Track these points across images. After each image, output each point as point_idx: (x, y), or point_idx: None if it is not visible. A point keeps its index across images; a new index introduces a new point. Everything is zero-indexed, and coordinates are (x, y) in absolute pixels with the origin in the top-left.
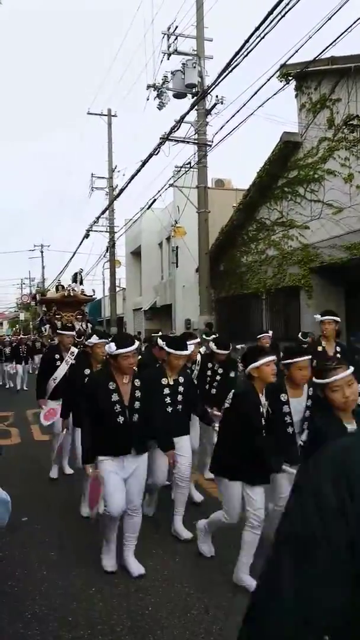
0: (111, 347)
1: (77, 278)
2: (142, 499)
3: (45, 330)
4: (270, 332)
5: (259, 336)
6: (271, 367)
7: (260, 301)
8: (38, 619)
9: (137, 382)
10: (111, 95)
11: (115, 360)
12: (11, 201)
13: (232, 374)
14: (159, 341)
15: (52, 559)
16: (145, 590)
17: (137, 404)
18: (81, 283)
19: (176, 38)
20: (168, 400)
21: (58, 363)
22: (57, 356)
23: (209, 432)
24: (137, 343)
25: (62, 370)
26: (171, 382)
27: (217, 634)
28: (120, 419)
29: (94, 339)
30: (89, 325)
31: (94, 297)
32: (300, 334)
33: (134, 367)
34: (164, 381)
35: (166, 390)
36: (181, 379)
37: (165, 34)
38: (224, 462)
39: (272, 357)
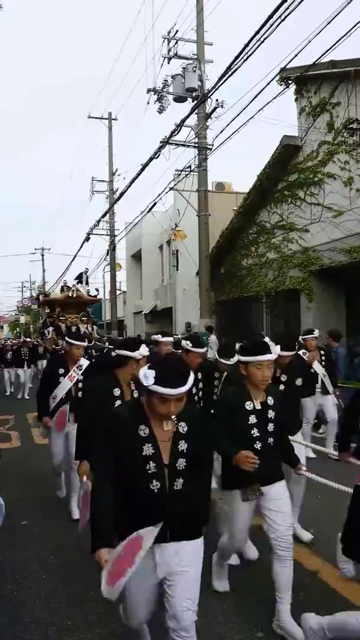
0: (147, 378)
1: (82, 278)
2: (195, 609)
3: (49, 333)
4: (317, 332)
5: (304, 337)
6: (262, 370)
7: (261, 304)
8: (37, 623)
9: (183, 428)
10: (112, 99)
11: (154, 397)
12: (12, 204)
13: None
14: (184, 342)
15: (51, 563)
16: None
17: (182, 463)
18: (87, 283)
19: (176, 42)
20: (256, 432)
21: (61, 379)
22: (61, 370)
23: None
24: (191, 377)
25: (64, 387)
26: (258, 406)
27: (216, 638)
28: (155, 485)
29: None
30: (94, 327)
31: (98, 297)
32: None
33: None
34: (249, 405)
35: (252, 419)
36: (270, 400)
37: (165, 38)
38: (226, 471)
39: (268, 357)
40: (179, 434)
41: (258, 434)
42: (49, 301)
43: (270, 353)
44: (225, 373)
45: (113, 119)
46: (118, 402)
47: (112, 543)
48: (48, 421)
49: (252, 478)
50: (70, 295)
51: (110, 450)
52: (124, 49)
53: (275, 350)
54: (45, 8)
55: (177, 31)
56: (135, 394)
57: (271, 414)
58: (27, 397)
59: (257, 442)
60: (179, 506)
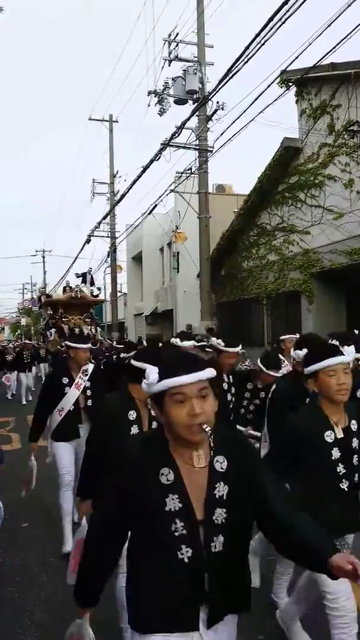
0: (151, 377)
1: (86, 278)
2: None
3: (51, 335)
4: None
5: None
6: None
7: (261, 306)
8: (38, 625)
9: (222, 464)
10: (112, 101)
11: (168, 401)
12: (13, 206)
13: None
14: (214, 340)
15: (52, 565)
16: None
17: (222, 515)
18: (92, 284)
19: (177, 45)
20: (341, 470)
21: (67, 389)
22: (65, 380)
23: None
24: (210, 368)
25: (71, 397)
26: (340, 434)
27: None
28: (186, 553)
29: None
30: (98, 329)
31: (101, 298)
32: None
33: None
34: (329, 437)
35: (336, 453)
36: (354, 425)
37: (166, 41)
38: None
39: (341, 359)
40: (215, 472)
41: (344, 471)
42: (51, 302)
43: (342, 355)
44: (274, 387)
45: (114, 121)
46: (134, 429)
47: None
48: (34, 448)
49: (337, 527)
50: (73, 295)
51: (119, 505)
52: (124, 51)
53: (349, 351)
54: (47, 9)
55: (177, 34)
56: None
57: (355, 442)
58: (30, 399)
59: (344, 481)
60: (220, 577)
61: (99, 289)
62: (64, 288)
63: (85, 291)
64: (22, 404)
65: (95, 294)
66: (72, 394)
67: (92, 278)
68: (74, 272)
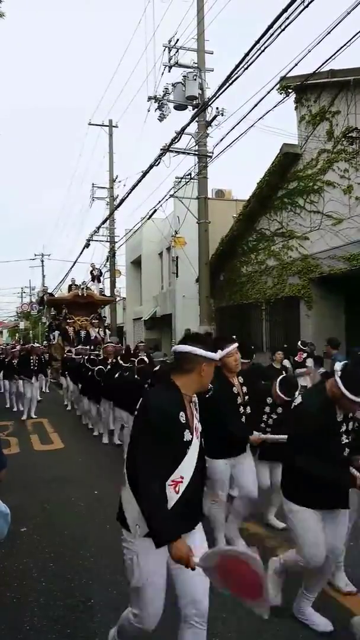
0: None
1: (93, 275)
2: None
3: (54, 338)
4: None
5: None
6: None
7: (260, 311)
8: (37, 630)
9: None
10: (112, 107)
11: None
12: (12, 210)
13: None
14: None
15: (51, 570)
16: None
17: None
18: (99, 281)
19: (177, 51)
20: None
21: (187, 436)
22: (182, 417)
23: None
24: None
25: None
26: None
27: None
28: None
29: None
30: (107, 332)
31: (114, 298)
32: (300, 342)
33: None
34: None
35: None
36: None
37: (166, 47)
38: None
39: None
40: None
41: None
42: (54, 301)
43: None
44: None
45: (114, 126)
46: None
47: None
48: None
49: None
50: (79, 294)
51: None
52: (125, 57)
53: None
54: (47, 15)
55: (177, 40)
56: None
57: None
58: (33, 416)
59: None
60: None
61: (102, 288)
62: (69, 286)
63: (93, 289)
64: (22, 418)
65: (103, 293)
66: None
67: (100, 274)
68: (72, 276)
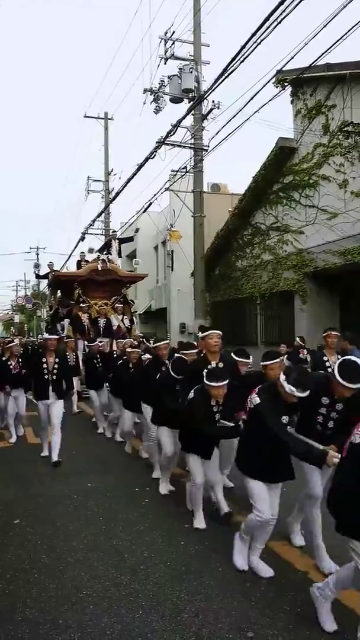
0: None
1: (111, 244)
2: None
3: (63, 329)
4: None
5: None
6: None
7: (255, 305)
8: (28, 622)
9: None
10: (108, 99)
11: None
12: (7, 203)
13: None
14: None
15: (43, 562)
16: (136, 594)
17: None
18: (119, 255)
19: (173, 43)
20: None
21: None
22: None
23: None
24: None
25: None
26: None
27: (206, 637)
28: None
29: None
30: (135, 320)
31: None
32: (299, 338)
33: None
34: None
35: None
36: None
37: (162, 39)
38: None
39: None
40: None
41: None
42: (63, 278)
43: None
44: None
45: (109, 119)
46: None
47: None
48: None
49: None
50: (100, 267)
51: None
52: (120, 49)
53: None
54: (41, 6)
55: (174, 32)
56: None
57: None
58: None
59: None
60: None
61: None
62: (78, 262)
63: (116, 262)
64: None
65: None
66: None
67: (120, 244)
68: (80, 251)
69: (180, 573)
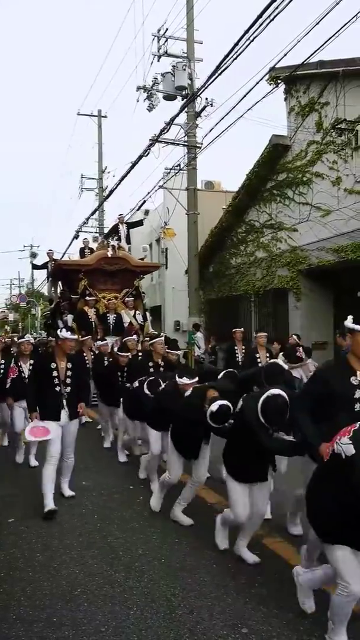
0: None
1: (119, 228)
2: None
3: (66, 325)
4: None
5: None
6: None
7: (249, 303)
8: (23, 620)
9: None
10: (101, 97)
11: None
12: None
13: None
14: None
15: (37, 561)
16: (131, 591)
17: None
18: (128, 241)
19: (166, 40)
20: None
21: None
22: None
23: None
24: None
25: None
26: None
27: (201, 634)
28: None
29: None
30: (148, 316)
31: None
32: (295, 336)
33: None
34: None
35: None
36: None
37: (155, 36)
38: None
39: None
40: None
41: None
42: (66, 270)
43: None
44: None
45: (103, 116)
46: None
47: None
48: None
49: None
50: (110, 255)
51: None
52: (113, 47)
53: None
54: (34, 2)
55: (167, 29)
56: None
57: None
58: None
59: None
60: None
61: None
62: (81, 250)
63: (126, 249)
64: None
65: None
66: None
67: (128, 228)
68: (83, 239)
69: (174, 570)
